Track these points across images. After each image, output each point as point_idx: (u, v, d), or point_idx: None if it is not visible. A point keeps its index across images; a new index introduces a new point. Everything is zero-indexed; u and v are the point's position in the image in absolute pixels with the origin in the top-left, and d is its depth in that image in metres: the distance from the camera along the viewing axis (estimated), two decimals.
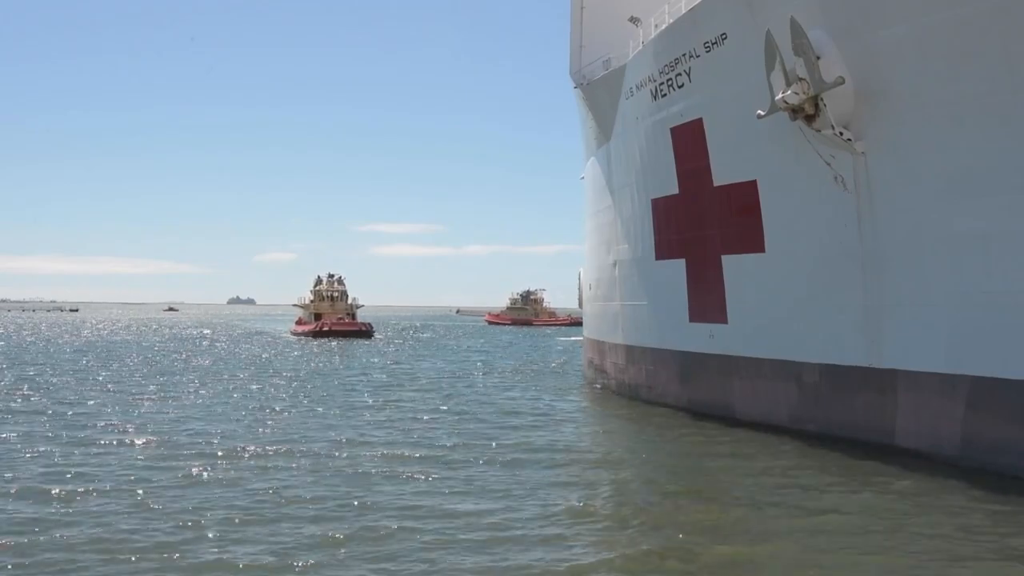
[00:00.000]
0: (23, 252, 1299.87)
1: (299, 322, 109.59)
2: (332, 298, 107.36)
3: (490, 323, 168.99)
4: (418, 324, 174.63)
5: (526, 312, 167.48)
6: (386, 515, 15.15)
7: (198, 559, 12.64)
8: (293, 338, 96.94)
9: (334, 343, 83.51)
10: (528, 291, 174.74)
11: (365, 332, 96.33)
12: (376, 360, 58.96)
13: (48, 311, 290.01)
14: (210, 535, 13.74)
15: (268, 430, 24.83)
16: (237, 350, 69.04)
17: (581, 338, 46.41)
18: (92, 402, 31.28)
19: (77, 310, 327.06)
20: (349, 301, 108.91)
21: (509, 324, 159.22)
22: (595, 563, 12.76)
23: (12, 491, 16.54)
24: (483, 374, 48.14)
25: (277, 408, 30.10)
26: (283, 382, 40.50)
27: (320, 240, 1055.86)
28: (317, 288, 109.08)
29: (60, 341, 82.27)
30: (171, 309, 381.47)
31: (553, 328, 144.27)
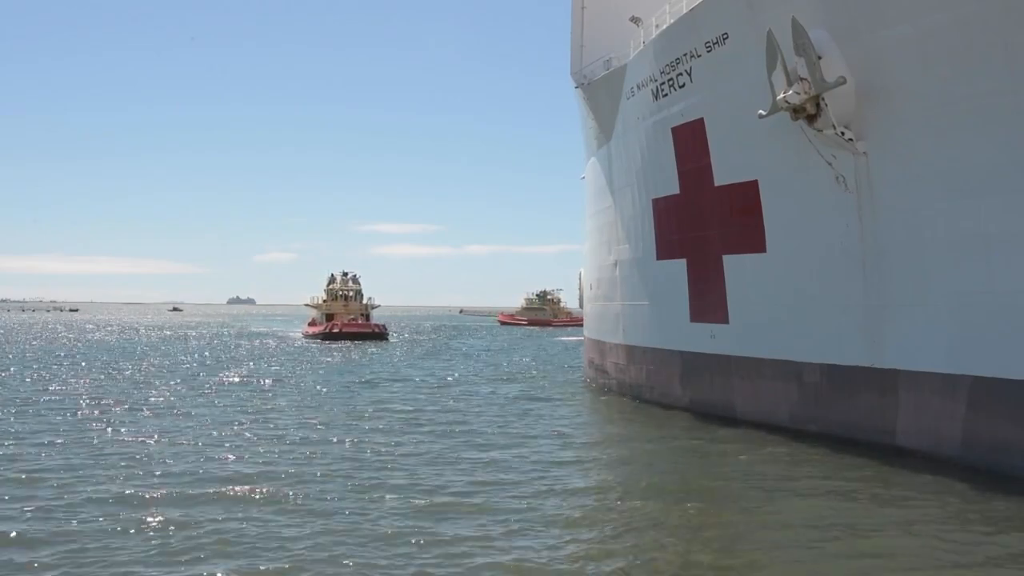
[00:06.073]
0: (23, 252, 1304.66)
1: (312, 323, 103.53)
2: (346, 298, 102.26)
3: (503, 324, 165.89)
4: (410, 324, 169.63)
5: (544, 313, 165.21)
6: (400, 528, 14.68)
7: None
8: (306, 341, 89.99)
9: (339, 346, 78.00)
10: (544, 291, 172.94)
11: (379, 334, 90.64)
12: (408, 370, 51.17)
13: (48, 311, 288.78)
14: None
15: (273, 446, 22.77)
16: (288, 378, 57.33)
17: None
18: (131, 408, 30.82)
19: (77, 310, 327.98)
20: (364, 301, 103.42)
21: (525, 325, 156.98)
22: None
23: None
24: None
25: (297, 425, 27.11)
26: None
27: (320, 240, 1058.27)
28: (330, 287, 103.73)
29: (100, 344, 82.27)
30: (176, 309, 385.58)
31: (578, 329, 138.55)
